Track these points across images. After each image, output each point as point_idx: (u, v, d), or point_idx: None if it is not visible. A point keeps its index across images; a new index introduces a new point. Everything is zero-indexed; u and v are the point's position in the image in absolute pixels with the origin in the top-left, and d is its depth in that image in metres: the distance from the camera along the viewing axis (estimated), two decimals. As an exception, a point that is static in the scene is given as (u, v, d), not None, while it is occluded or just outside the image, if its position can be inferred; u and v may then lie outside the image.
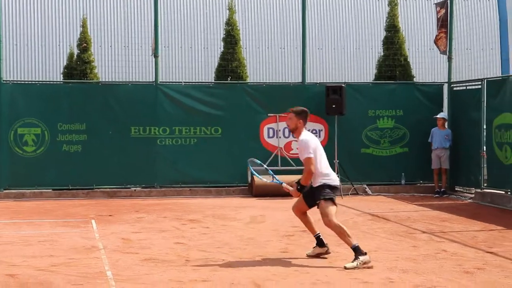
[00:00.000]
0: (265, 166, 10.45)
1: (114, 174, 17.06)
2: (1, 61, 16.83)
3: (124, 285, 8.14)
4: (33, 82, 17.62)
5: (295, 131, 9.76)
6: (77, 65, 18.34)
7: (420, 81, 19.59)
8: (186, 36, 21.22)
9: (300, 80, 18.22)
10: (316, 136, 16.13)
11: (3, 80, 16.80)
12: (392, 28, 19.52)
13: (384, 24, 19.88)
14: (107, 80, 19.02)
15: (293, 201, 9.97)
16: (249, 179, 17.16)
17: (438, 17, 18.32)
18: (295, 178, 10.15)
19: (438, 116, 17.36)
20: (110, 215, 13.87)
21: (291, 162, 17.34)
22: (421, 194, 17.57)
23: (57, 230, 12.15)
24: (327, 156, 9.79)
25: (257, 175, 10.37)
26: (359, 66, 21.82)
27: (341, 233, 9.34)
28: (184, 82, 18.42)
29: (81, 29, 18.55)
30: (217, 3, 21.18)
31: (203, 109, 17.38)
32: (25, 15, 18.79)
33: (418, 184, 18.26)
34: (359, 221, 13.00)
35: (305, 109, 9.87)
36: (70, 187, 16.92)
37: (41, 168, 16.80)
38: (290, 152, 17.63)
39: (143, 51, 19.61)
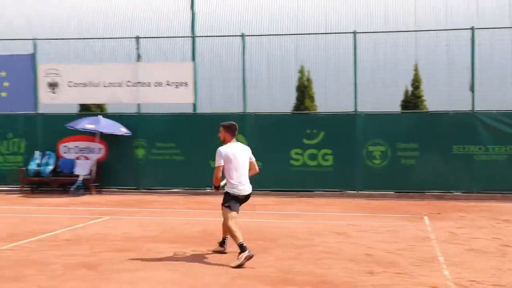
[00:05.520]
0: None
1: (442, 181, 16.74)
2: (357, 94, 17.42)
3: (453, 269, 7.99)
4: (376, 113, 17.85)
5: (224, 142, 8.65)
6: (411, 99, 18.41)
7: None
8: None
9: None
10: None
11: (358, 111, 17.39)
12: None
13: None
14: (434, 110, 18.76)
15: None
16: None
17: None
18: None
19: None
20: (438, 213, 13.66)
21: None
22: None
23: (398, 223, 12.21)
24: None
25: None
26: None
27: (229, 230, 8.34)
28: (495, 110, 17.56)
29: (414, 72, 18.59)
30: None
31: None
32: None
33: None
34: None
35: (233, 123, 8.76)
36: (407, 191, 16.92)
37: (385, 176, 17.04)
38: None
39: (462, 85, 18.98)
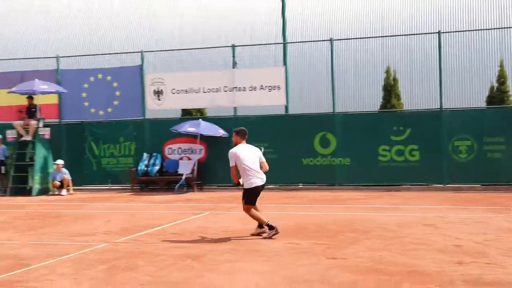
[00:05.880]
0: None
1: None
2: (442, 92, 17.05)
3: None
4: (461, 109, 17.40)
5: (236, 145, 9.59)
6: (496, 95, 17.86)
7: None
8: None
9: None
10: None
11: (443, 108, 17.02)
12: None
13: None
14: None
15: None
16: None
17: None
18: None
19: None
20: (521, 205, 13.18)
21: None
22: None
23: (485, 214, 11.84)
24: None
25: None
26: None
27: (253, 217, 9.50)
28: None
29: (499, 68, 18.00)
30: None
31: None
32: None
33: None
34: None
35: (243, 128, 9.70)
36: (493, 184, 16.43)
37: (471, 169, 16.59)
38: None
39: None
